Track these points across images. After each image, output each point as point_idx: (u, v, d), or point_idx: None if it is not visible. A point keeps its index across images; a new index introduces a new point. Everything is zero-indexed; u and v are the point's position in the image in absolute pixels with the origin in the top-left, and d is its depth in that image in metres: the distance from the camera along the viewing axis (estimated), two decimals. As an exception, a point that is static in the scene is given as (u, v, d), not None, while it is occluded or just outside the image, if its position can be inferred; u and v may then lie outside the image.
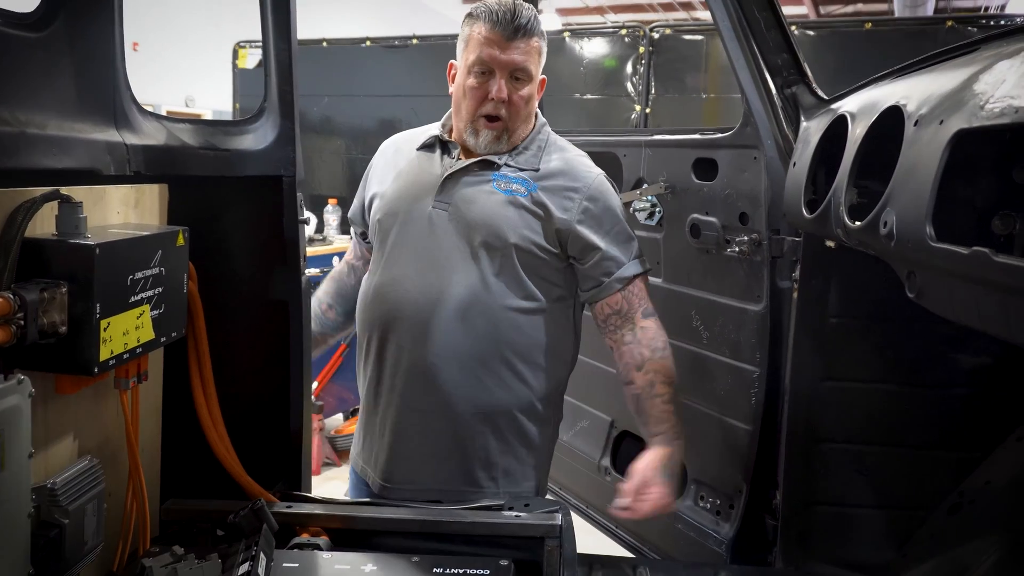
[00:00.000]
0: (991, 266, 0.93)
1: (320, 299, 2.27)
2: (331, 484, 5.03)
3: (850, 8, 15.15)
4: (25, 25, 1.40)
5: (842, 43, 5.09)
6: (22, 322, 1.20)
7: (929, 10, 11.69)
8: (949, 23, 4.82)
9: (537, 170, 1.94)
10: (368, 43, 6.21)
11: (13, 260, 1.24)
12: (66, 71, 1.49)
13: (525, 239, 1.89)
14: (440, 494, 1.89)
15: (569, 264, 1.96)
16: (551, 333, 1.96)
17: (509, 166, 1.94)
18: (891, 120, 1.33)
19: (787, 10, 13.22)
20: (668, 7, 15.76)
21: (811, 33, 5.12)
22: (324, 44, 6.26)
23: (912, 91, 1.32)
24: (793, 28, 5.15)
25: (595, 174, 1.98)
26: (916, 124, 1.20)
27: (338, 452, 5.42)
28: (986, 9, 14.81)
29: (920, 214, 1.11)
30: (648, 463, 1.85)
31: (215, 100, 10.63)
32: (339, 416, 5.76)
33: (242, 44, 6.49)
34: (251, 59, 6.44)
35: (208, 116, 11.42)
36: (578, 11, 16.29)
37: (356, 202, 2.19)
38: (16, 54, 1.38)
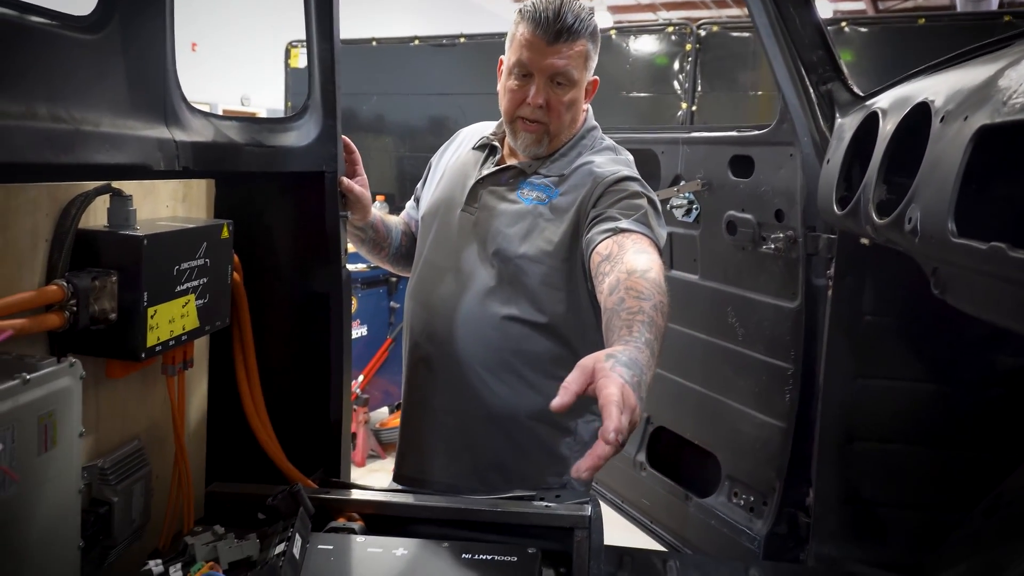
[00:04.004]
0: (1007, 261, 0.93)
1: (403, 223, 2.25)
2: (375, 476, 5.11)
3: (909, 3, 14.81)
4: (82, 28, 1.48)
5: (896, 39, 5.01)
6: (75, 308, 1.27)
7: (993, 4, 11.33)
8: (1007, 18, 4.70)
9: (563, 175, 1.90)
10: (416, 42, 6.28)
11: (68, 250, 1.32)
12: (120, 70, 1.56)
13: (536, 248, 1.85)
14: (450, 489, 1.88)
15: (583, 270, 1.84)
16: (566, 343, 1.89)
17: (538, 174, 1.92)
18: (920, 116, 1.33)
19: (844, 6, 12.80)
20: (721, 3, 15.61)
21: (863, 30, 5.03)
22: (373, 43, 6.34)
23: (941, 87, 1.31)
24: (844, 24, 5.08)
25: (617, 170, 1.87)
26: (942, 120, 1.20)
27: (383, 445, 5.51)
28: (1052, 2, 14.35)
29: (943, 210, 1.11)
30: (595, 355, 1.24)
31: (270, 99, 10.84)
32: (384, 409, 5.85)
33: (294, 44, 6.62)
34: (303, 59, 6.56)
35: (263, 114, 11.65)
36: (630, 8, 16.21)
37: (422, 180, 2.24)
38: (73, 55, 1.45)
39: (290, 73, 6.69)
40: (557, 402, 1.14)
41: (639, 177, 1.90)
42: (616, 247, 1.66)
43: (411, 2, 13.99)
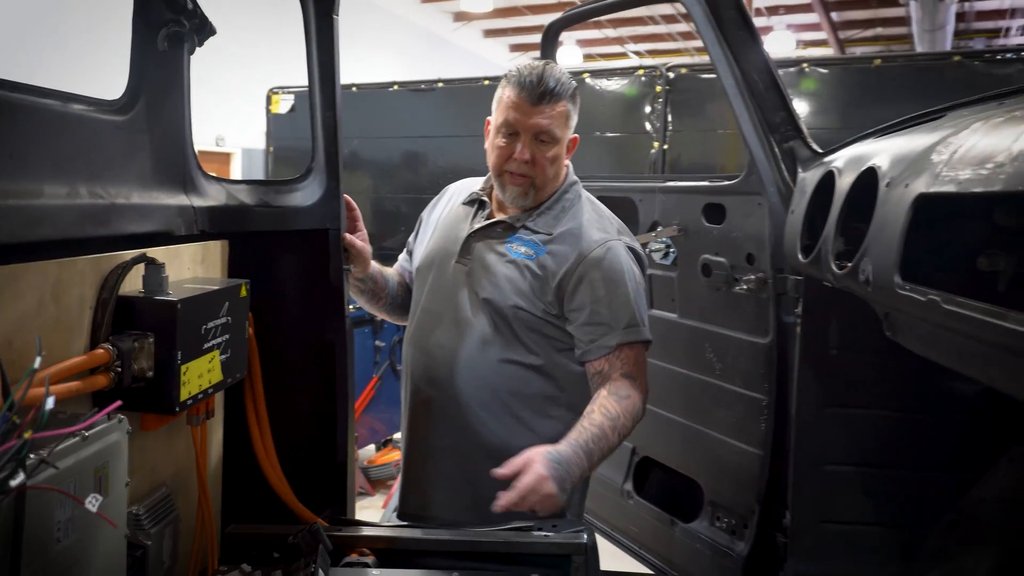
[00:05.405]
0: (941, 311, 1.10)
1: (398, 273, 2.37)
2: (364, 513, 5.11)
3: (869, 32, 15.27)
4: (114, 110, 1.63)
5: (854, 79, 5.27)
6: (119, 369, 1.41)
7: (948, 34, 11.75)
8: (956, 58, 4.98)
9: (550, 234, 2.05)
10: (396, 87, 6.46)
11: (110, 315, 1.45)
12: (145, 146, 1.71)
13: (526, 301, 2.01)
14: (452, 524, 1.98)
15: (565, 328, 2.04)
16: (557, 384, 2.05)
17: (527, 228, 2.07)
18: (869, 178, 1.50)
19: (807, 36, 13.12)
20: (687, 36, 15.98)
21: (823, 71, 5.29)
22: (354, 89, 6.51)
23: (887, 153, 1.49)
24: (805, 65, 5.33)
25: (602, 240, 2.02)
26: (887, 185, 1.38)
27: (371, 482, 5.56)
28: (1007, 32, 14.91)
29: (890, 264, 1.28)
30: (538, 448, 1.80)
31: (243, 139, 10.98)
32: (371, 447, 5.92)
33: (275, 90, 6.77)
34: (283, 104, 6.72)
35: (238, 154, 11.77)
36: (598, 42, 16.56)
37: (413, 234, 2.38)
38: (107, 136, 1.60)
39: (271, 119, 6.83)
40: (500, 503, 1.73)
41: (618, 237, 2.06)
42: (607, 365, 2.00)
43: (391, 43, 14.17)
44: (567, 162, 2.12)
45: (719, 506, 2.59)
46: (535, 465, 1.74)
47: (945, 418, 2.08)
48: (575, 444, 1.82)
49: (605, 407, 1.92)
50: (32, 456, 0.96)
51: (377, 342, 5.66)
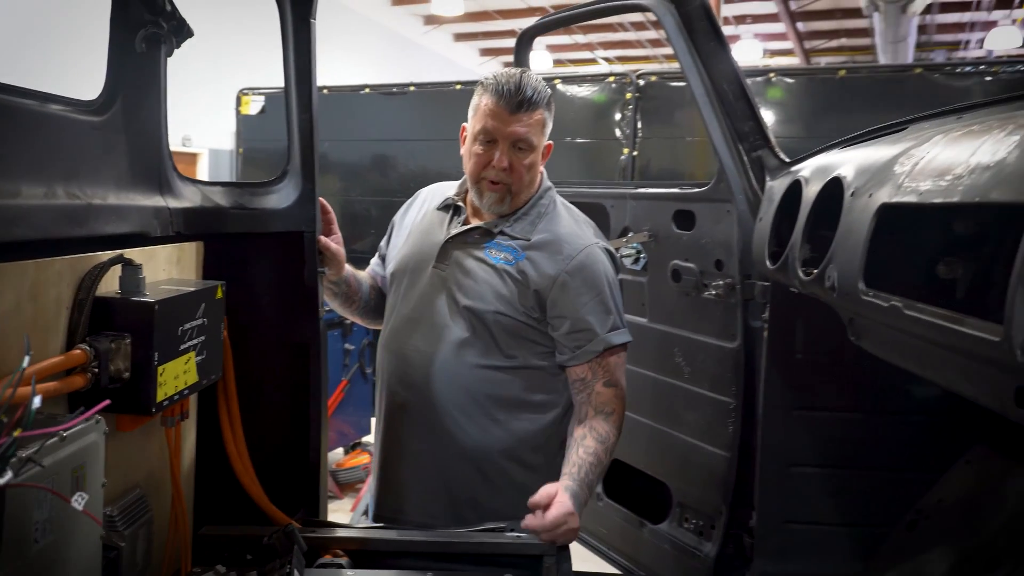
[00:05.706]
0: (902, 317, 1.15)
1: (370, 276, 2.38)
2: (333, 516, 5.07)
3: (834, 43, 15.54)
4: (91, 110, 1.62)
5: (819, 89, 5.38)
6: (96, 370, 1.41)
7: (910, 46, 12.02)
8: (917, 70, 5.11)
9: (528, 240, 2.07)
10: (367, 90, 6.46)
11: (87, 316, 1.45)
12: (122, 147, 1.71)
13: (506, 306, 2.03)
14: (427, 527, 2.01)
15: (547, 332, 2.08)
16: (535, 387, 2.08)
17: (504, 234, 2.08)
18: (835, 187, 1.55)
19: (773, 45, 13.32)
20: (656, 43, 16.14)
21: (790, 81, 5.39)
22: (325, 91, 6.50)
23: (852, 163, 1.54)
24: (772, 75, 5.43)
25: (581, 246, 2.05)
26: (852, 194, 1.43)
27: (340, 485, 5.55)
28: (966, 44, 15.28)
29: (855, 271, 1.33)
30: (557, 484, 1.89)
31: (210, 140, 10.91)
32: (340, 450, 5.89)
33: (245, 91, 6.73)
34: (254, 106, 6.68)
35: (204, 154, 11.70)
36: (568, 48, 16.67)
37: (385, 239, 2.38)
38: (83, 136, 1.59)
39: (241, 120, 6.79)
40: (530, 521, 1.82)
41: (594, 240, 2.10)
42: (590, 373, 2.05)
43: (361, 46, 14.11)
44: (542, 168, 2.15)
45: (687, 507, 2.64)
46: (566, 500, 1.82)
47: (906, 420, 2.15)
48: (580, 480, 1.91)
49: (596, 430, 1.99)
50: (17, 455, 0.96)
51: (347, 345, 5.64)
